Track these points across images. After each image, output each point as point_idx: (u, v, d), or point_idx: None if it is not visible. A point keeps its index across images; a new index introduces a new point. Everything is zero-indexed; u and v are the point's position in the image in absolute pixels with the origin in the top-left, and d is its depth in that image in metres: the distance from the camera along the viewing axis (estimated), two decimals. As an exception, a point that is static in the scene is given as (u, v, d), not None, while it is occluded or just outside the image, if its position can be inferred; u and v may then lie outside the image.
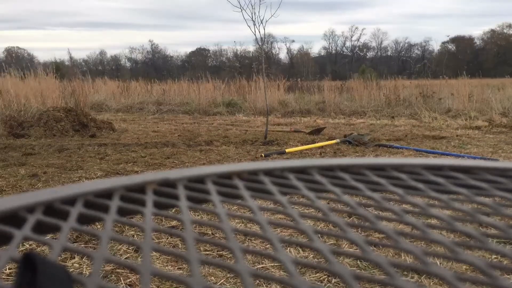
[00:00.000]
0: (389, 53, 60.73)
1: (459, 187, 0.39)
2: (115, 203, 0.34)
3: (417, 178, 0.42)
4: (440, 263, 1.58)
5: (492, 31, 55.19)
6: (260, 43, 5.79)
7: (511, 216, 0.32)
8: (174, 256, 0.26)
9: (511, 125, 6.17)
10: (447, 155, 4.15)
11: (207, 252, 1.85)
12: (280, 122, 7.46)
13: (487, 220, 0.31)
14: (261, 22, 5.63)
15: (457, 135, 5.52)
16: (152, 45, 63.22)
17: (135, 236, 2.04)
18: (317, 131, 5.60)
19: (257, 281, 1.44)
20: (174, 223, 2.10)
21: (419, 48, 59.47)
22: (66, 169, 3.58)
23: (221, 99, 10.53)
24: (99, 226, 0.40)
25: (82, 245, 1.95)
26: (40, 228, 0.30)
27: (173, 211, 0.35)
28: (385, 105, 9.29)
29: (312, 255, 1.79)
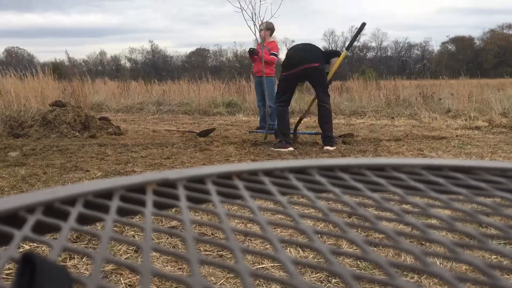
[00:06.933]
0: (389, 53, 60.74)
1: (459, 187, 0.39)
2: (115, 203, 0.34)
3: (417, 178, 0.42)
4: (440, 263, 1.57)
5: (492, 31, 55.22)
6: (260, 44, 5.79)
7: (511, 216, 0.32)
8: (174, 256, 0.26)
9: (511, 125, 6.18)
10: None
11: (207, 252, 1.85)
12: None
13: (487, 220, 0.31)
14: (262, 23, 5.65)
15: (457, 135, 5.52)
16: (152, 45, 63.21)
17: (135, 236, 2.04)
18: (206, 132, 5.72)
19: (257, 281, 1.44)
20: (174, 223, 2.10)
21: (419, 49, 59.48)
22: (66, 169, 3.58)
23: (221, 99, 10.53)
24: (99, 226, 0.40)
25: (82, 246, 1.95)
26: (40, 228, 0.30)
27: (173, 211, 0.35)
28: (385, 106, 9.29)
29: (312, 255, 1.79)
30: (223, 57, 60.32)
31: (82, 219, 0.32)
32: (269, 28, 5.96)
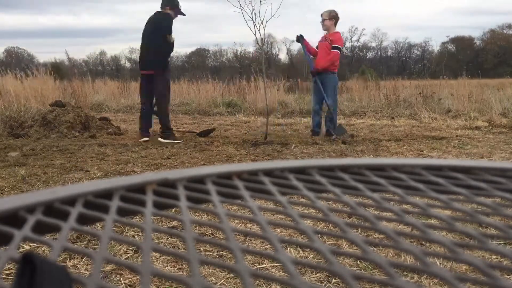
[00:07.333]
0: (389, 53, 60.73)
1: (459, 187, 0.39)
2: (115, 203, 0.34)
3: (417, 178, 0.42)
4: (440, 264, 1.57)
5: (492, 31, 55.20)
6: (260, 44, 5.79)
7: (511, 216, 0.32)
8: (174, 256, 0.26)
9: (511, 126, 6.18)
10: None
11: (207, 253, 1.85)
12: (280, 123, 7.46)
13: (487, 220, 0.31)
14: (261, 23, 5.64)
15: (457, 136, 5.52)
16: (152, 45, 63.00)
17: (135, 236, 2.04)
18: (206, 133, 5.74)
19: (257, 281, 1.44)
20: (174, 223, 2.10)
21: (419, 49, 59.45)
22: (66, 169, 3.58)
23: (221, 99, 10.54)
24: (99, 227, 0.40)
25: (82, 246, 1.95)
26: (40, 228, 0.30)
27: (173, 211, 0.35)
28: (385, 106, 9.30)
29: (312, 255, 1.79)
30: (223, 57, 60.30)
31: (82, 219, 0.32)
32: (332, 17, 5.40)
